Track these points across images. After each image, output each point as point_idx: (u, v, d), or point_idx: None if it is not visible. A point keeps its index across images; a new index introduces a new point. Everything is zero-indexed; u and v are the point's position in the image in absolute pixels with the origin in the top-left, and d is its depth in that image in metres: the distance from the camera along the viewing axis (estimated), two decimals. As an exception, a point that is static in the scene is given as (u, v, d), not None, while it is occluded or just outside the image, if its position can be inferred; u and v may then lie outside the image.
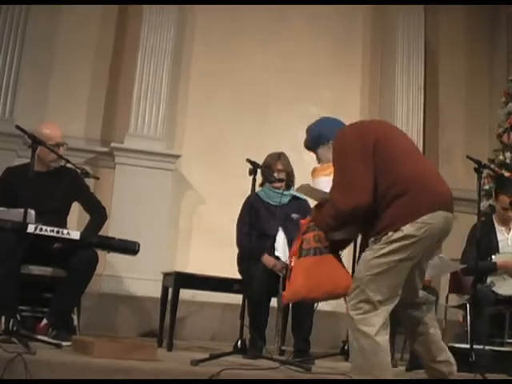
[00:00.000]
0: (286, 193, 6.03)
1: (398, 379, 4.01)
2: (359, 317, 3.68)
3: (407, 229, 3.67)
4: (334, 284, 3.99)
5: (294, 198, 6.11)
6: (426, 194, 3.78)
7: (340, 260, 4.08)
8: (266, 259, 5.74)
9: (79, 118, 8.05)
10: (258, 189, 5.90)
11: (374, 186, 3.78)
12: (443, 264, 6.37)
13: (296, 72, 8.68)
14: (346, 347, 5.07)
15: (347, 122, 8.54)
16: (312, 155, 8.05)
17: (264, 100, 8.49)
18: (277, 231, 5.87)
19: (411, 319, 4.13)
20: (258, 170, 4.95)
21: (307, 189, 4.47)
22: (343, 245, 4.16)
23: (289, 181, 6.12)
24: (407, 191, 3.75)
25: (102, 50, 8.26)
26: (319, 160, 4.57)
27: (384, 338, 3.68)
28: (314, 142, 4.52)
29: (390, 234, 3.69)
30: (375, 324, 3.66)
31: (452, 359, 4.05)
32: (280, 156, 6.12)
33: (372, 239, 3.79)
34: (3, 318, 4.88)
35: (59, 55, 8.08)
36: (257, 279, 5.49)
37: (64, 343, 4.73)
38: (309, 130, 4.61)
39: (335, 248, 4.08)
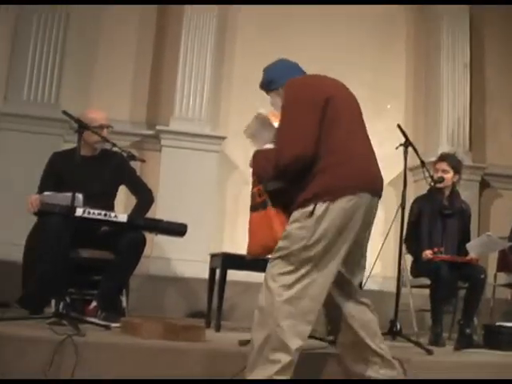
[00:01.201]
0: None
1: (399, 379, 4.01)
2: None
3: (334, 203, 3.61)
4: (268, 238, 3.92)
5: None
6: (362, 172, 3.75)
7: (283, 212, 3.93)
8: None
9: (124, 102, 8.10)
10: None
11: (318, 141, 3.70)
12: (491, 242, 6.32)
13: (340, 50, 8.60)
14: (394, 327, 5.05)
15: (393, 101, 8.62)
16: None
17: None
18: None
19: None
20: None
21: (264, 120, 4.23)
22: (284, 196, 3.91)
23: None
24: (344, 163, 3.70)
25: (144, 34, 8.28)
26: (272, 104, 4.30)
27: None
28: (266, 85, 4.30)
29: (318, 204, 3.61)
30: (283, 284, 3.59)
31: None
32: None
33: (298, 209, 3.69)
34: (53, 301, 4.98)
35: (103, 39, 8.12)
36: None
37: (113, 325, 4.78)
38: (264, 72, 4.37)
39: (278, 199, 3.97)
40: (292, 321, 3.56)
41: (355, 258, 3.87)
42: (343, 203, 3.62)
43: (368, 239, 3.96)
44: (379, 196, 3.88)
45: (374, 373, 3.83)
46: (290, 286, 3.59)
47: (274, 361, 3.51)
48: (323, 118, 3.76)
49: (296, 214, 3.68)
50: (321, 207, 3.60)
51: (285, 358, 3.52)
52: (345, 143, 3.76)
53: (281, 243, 3.68)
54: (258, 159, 4.03)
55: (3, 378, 3.69)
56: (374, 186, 3.84)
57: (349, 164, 3.71)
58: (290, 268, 3.61)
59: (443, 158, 6.49)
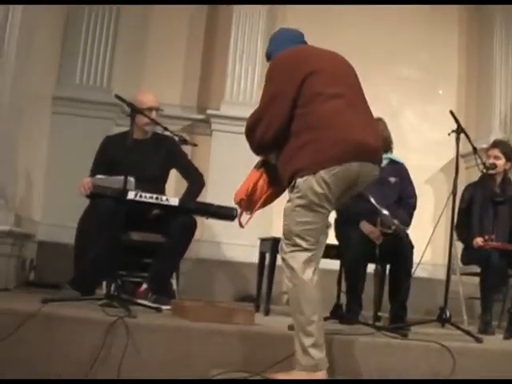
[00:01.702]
0: (384, 156, 6.00)
1: (401, 379, 4.00)
2: (289, 255, 3.79)
3: (315, 176, 3.73)
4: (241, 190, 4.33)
5: (391, 161, 6.07)
6: (339, 144, 3.77)
7: (266, 179, 4.21)
8: (364, 225, 5.71)
9: (175, 86, 8.15)
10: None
11: (291, 117, 3.85)
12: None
13: (390, 33, 8.54)
14: (443, 314, 5.03)
15: (445, 85, 8.55)
16: (409, 120, 8.00)
17: (358, 62, 8.34)
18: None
19: None
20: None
21: None
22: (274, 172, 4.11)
23: (386, 145, 6.07)
24: (323, 138, 3.78)
25: (196, 17, 8.32)
26: None
27: (309, 275, 3.77)
28: (266, 57, 4.47)
29: (299, 179, 3.76)
30: (300, 261, 3.75)
31: None
32: (378, 121, 6.07)
33: (288, 188, 3.88)
34: (104, 283, 5.05)
35: (154, 23, 8.18)
36: (354, 244, 5.45)
37: (163, 307, 4.85)
38: (269, 42, 4.51)
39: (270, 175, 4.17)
40: None
41: None
42: (323, 175, 3.72)
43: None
44: (372, 162, 4.00)
45: None
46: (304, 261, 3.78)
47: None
48: (300, 95, 3.86)
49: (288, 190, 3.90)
50: (301, 181, 3.75)
51: None
52: (327, 118, 3.83)
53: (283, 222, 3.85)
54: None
55: (3, 378, 3.76)
56: (361, 154, 3.86)
57: (329, 138, 3.78)
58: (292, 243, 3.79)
59: (495, 144, 6.43)
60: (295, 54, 4.12)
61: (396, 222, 5.50)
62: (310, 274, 3.77)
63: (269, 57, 4.37)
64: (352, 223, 5.50)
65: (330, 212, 3.88)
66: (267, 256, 5.85)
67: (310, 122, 3.82)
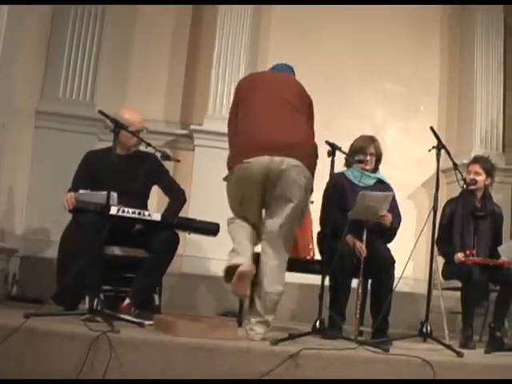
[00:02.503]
0: (371, 175, 6.07)
1: (401, 379, 4.03)
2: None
3: (232, 172, 4.85)
4: None
5: (379, 181, 6.13)
6: (245, 144, 4.80)
7: None
8: (350, 239, 5.76)
9: (158, 101, 8.17)
10: (343, 168, 5.95)
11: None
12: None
13: (374, 51, 8.63)
14: (424, 328, 5.06)
15: (427, 101, 8.61)
16: (392, 136, 8.06)
17: (341, 80, 8.47)
18: None
19: None
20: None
21: None
22: None
23: (376, 165, 6.15)
24: (236, 142, 4.94)
25: (179, 33, 8.34)
26: None
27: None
28: None
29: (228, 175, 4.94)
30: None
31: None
32: (373, 140, 6.13)
33: None
34: (87, 298, 5.04)
35: (138, 39, 8.20)
36: (340, 259, 5.49)
37: (146, 322, 4.83)
38: None
39: None
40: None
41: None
42: (236, 171, 4.80)
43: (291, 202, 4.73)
44: (281, 154, 4.71)
45: None
46: None
47: None
48: (237, 109, 5.05)
49: None
50: (228, 176, 4.92)
51: None
52: (245, 125, 4.90)
53: None
54: None
55: (3, 378, 3.76)
56: (266, 149, 4.71)
57: (241, 139, 4.87)
58: None
59: (476, 160, 6.50)
60: (246, 77, 5.37)
61: (377, 192, 5.75)
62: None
63: None
64: (338, 237, 5.52)
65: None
66: (250, 271, 5.85)
67: (237, 129, 5.00)
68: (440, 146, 5.29)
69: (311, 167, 4.86)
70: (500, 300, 6.07)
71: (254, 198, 4.83)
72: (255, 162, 4.69)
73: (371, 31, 8.69)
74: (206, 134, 7.81)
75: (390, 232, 5.99)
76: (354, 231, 5.71)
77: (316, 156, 4.94)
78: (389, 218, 5.86)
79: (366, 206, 5.68)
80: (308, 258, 6.09)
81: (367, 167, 6.04)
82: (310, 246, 6.11)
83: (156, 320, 4.78)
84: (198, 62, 8.32)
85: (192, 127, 7.89)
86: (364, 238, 5.75)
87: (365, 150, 6.04)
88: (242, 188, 4.82)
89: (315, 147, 4.96)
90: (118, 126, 4.91)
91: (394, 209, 5.98)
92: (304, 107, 5.06)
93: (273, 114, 4.86)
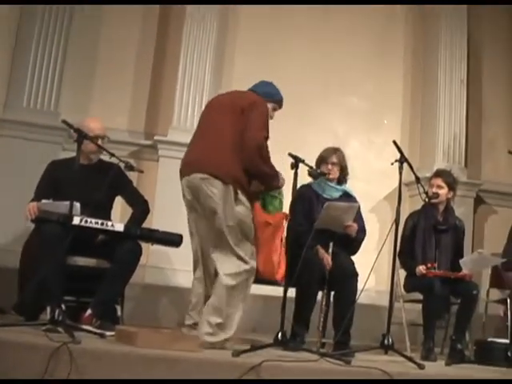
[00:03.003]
0: (338, 187, 6.11)
1: (401, 379, 4.06)
2: None
3: None
4: None
5: (345, 193, 6.17)
6: (183, 161, 5.23)
7: None
8: (319, 250, 5.79)
9: (123, 111, 8.13)
10: (309, 180, 5.97)
11: None
12: (482, 259, 6.39)
13: (338, 66, 8.70)
14: (385, 340, 5.09)
15: (390, 116, 8.69)
16: (355, 150, 8.12)
17: (306, 94, 8.51)
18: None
19: None
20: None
21: None
22: None
23: (342, 176, 6.19)
24: None
25: (144, 43, 8.32)
26: None
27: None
28: None
29: None
30: None
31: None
32: (336, 150, 6.19)
33: None
34: (49, 308, 5.00)
35: (103, 48, 8.15)
36: (308, 269, 5.50)
37: (108, 333, 4.80)
38: None
39: None
40: None
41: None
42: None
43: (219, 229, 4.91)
44: (193, 171, 5.04)
45: None
46: None
47: None
48: None
49: None
50: None
51: None
52: (191, 143, 5.30)
53: None
54: None
55: (3, 379, 3.73)
56: (187, 168, 5.13)
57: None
58: None
59: (438, 174, 6.56)
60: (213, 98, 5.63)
61: (343, 203, 5.85)
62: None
63: None
64: (305, 248, 5.52)
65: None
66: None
67: None
68: (402, 160, 5.34)
69: (228, 174, 4.93)
70: (461, 313, 6.13)
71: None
72: (182, 182, 5.18)
73: (335, 46, 8.75)
74: (170, 144, 7.78)
75: (354, 243, 6.03)
76: (320, 242, 5.75)
77: (249, 157, 4.96)
78: (354, 227, 5.91)
79: (332, 215, 5.72)
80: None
81: (330, 176, 6.07)
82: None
83: (117, 331, 4.76)
84: (164, 72, 8.30)
85: (156, 138, 7.87)
86: (330, 250, 5.79)
87: (326, 160, 6.10)
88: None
89: (248, 149, 4.96)
90: (82, 136, 4.90)
91: (359, 221, 6.04)
92: (238, 114, 5.07)
93: (201, 135, 5.22)
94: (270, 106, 5.32)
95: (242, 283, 4.93)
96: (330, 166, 6.09)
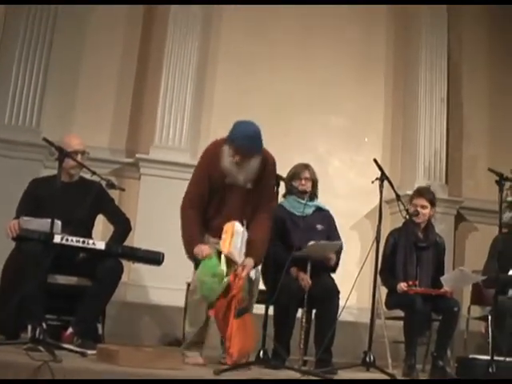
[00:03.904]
0: (309, 203, 6.10)
1: (398, 379, 4.06)
2: None
3: None
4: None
5: (318, 208, 6.18)
6: None
7: None
8: (294, 271, 5.79)
9: (105, 129, 8.12)
10: (281, 199, 5.97)
11: None
12: (464, 276, 6.40)
13: (320, 84, 8.73)
14: (367, 358, 5.10)
15: (372, 134, 8.74)
16: (336, 168, 8.13)
17: (288, 112, 8.54)
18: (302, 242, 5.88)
19: None
20: (282, 182, 5.05)
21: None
22: None
23: (313, 192, 6.19)
24: None
25: (127, 62, 8.32)
26: None
27: None
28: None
29: None
30: None
31: None
32: (307, 166, 6.20)
33: None
34: (30, 327, 4.97)
35: (85, 65, 8.15)
36: (286, 289, 5.50)
37: (89, 351, 4.78)
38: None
39: None
40: None
41: None
42: None
43: None
44: None
45: None
46: None
47: None
48: None
49: None
50: None
51: None
52: None
53: None
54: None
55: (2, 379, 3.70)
56: None
57: None
58: None
59: (421, 193, 6.55)
60: None
61: (326, 242, 5.69)
62: None
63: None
64: (282, 268, 5.53)
65: None
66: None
67: None
68: (383, 178, 5.37)
69: None
70: (442, 329, 6.13)
71: None
72: None
73: (317, 65, 8.81)
74: (152, 162, 7.79)
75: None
76: (298, 263, 5.75)
77: None
78: (333, 259, 5.92)
79: (314, 252, 5.74)
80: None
81: (306, 189, 6.07)
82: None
83: (99, 349, 4.74)
84: (146, 90, 8.31)
85: (138, 156, 7.87)
86: (308, 268, 5.79)
87: (299, 175, 6.10)
88: None
89: None
90: (63, 154, 4.90)
91: (334, 234, 6.09)
92: None
93: None
94: (227, 149, 5.18)
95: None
96: (303, 181, 6.09)
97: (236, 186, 5.22)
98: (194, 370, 4.49)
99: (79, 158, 5.64)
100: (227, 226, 4.98)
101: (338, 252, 6.07)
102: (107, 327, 5.84)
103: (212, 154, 5.27)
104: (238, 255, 4.96)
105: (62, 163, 4.95)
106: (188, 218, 5.16)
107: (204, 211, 5.25)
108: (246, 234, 5.07)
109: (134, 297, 7.32)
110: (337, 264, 6.04)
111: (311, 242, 5.71)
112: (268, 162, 5.30)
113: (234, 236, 4.95)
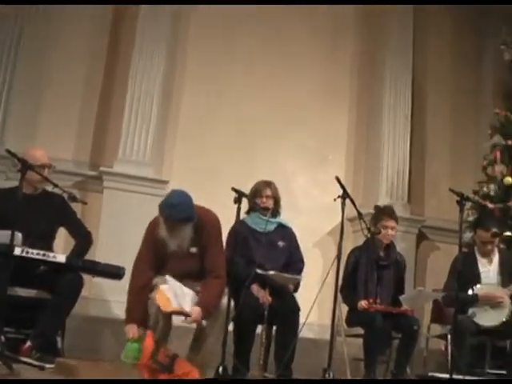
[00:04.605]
0: (272, 220, 6.11)
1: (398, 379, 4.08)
2: None
3: None
4: None
5: (280, 225, 6.19)
6: None
7: None
8: (254, 288, 5.80)
9: (68, 141, 8.05)
10: (243, 216, 5.98)
11: None
12: (421, 295, 6.48)
13: (285, 103, 8.76)
14: (326, 375, 5.11)
15: (335, 152, 8.78)
16: (301, 185, 8.14)
17: (254, 130, 8.56)
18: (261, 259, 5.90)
19: None
20: (244, 199, 5.07)
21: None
22: None
23: (275, 209, 6.20)
24: None
25: (92, 73, 8.26)
26: None
27: None
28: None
29: None
30: None
31: None
32: (269, 183, 6.22)
33: None
34: (-13, 340, 4.93)
35: (50, 78, 8.08)
36: (247, 307, 5.52)
37: (48, 365, 4.74)
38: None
39: None
40: None
41: None
42: None
43: None
44: None
45: None
46: None
47: None
48: None
49: None
50: None
51: None
52: None
53: None
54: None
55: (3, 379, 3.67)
56: None
57: None
58: None
59: (390, 215, 6.58)
60: None
61: (287, 275, 5.70)
62: None
63: None
64: (243, 286, 5.54)
65: None
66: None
67: None
68: (345, 196, 5.40)
69: None
70: (402, 347, 6.18)
71: None
72: None
73: (282, 83, 8.82)
74: (115, 176, 7.75)
75: None
76: (259, 280, 5.76)
77: None
78: (290, 289, 5.95)
79: (274, 280, 5.77)
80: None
81: (268, 206, 6.09)
82: None
83: (57, 364, 4.71)
84: (111, 103, 8.26)
85: (102, 169, 7.82)
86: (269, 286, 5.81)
87: (261, 193, 6.12)
88: None
89: None
90: (26, 166, 4.87)
91: (296, 252, 6.12)
92: None
93: None
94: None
95: None
96: (264, 199, 6.11)
97: (178, 251, 5.30)
98: None
99: (46, 171, 5.62)
100: (155, 293, 5.09)
101: (300, 267, 6.11)
102: (68, 341, 5.79)
103: (154, 223, 5.42)
104: (184, 302, 5.04)
105: (25, 175, 4.91)
106: (134, 279, 5.31)
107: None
108: (175, 282, 5.13)
109: (94, 311, 7.26)
110: (296, 288, 6.06)
111: (272, 272, 5.74)
112: (206, 227, 5.35)
113: (165, 291, 5.03)
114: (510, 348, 6.60)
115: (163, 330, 5.16)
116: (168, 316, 5.11)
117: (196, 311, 4.98)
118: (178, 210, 5.16)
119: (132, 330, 5.14)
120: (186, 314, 4.96)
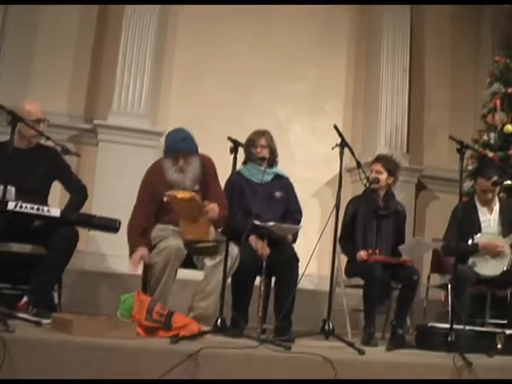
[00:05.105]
0: (268, 170, 6.03)
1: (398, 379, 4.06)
2: None
3: None
4: None
5: (277, 176, 6.13)
6: None
7: None
8: (252, 240, 5.76)
9: (62, 95, 7.98)
10: (240, 167, 5.92)
11: None
12: (420, 245, 6.46)
13: (281, 50, 8.66)
14: (326, 326, 5.07)
15: (333, 101, 8.71)
16: (295, 133, 8.06)
17: (249, 76, 8.47)
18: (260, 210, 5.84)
19: None
20: (240, 149, 4.99)
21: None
22: None
23: (272, 159, 6.13)
24: None
25: (85, 26, 8.16)
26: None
27: None
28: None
29: None
30: None
31: None
32: (264, 133, 6.15)
33: None
34: (-18, 296, 4.89)
35: (41, 31, 7.99)
36: (244, 258, 5.47)
37: (44, 321, 4.70)
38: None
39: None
40: None
41: None
42: None
43: None
44: None
45: None
46: None
47: None
48: None
49: None
50: None
51: None
52: None
53: None
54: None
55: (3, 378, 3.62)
56: None
57: None
58: None
59: (378, 159, 6.57)
60: None
61: (285, 225, 5.74)
62: None
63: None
64: (239, 238, 5.48)
65: None
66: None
67: None
68: (343, 144, 5.32)
69: None
70: (401, 298, 6.15)
71: None
72: None
73: (278, 32, 8.73)
74: (110, 129, 7.67)
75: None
76: (256, 231, 5.72)
77: None
78: (289, 239, 5.91)
79: (272, 231, 5.72)
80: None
81: (263, 156, 6.02)
82: None
83: (54, 319, 4.66)
84: (104, 56, 8.17)
85: (96, 122, 7.74)
86: (266, 238, 5.77)
87: (255, 142, 6.06)
88: None
89: None
90: (15, 119, 4.78)
91: (294, 203, 6.08)
92: None
93: None
94: (168, 161, 5.51)
95: None
96: (259, 149, 6.06)
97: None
98: (149, 340, 4.43)
99: (41, 126, 5.54)
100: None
101: (298, 218, 6.08)
102: (65, 296, 5.78)
103: (154, 172, 5.55)
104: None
105: (15, 128, 4.82)
106: (133, 219, 5.56)
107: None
108: None
109: (91, 265, 7.25)
110: (294, 239, 6.02)
111: (271, 223, 5.70)
112: (206, 164, 5.58)
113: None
114: (510, 297, 6.57)
115: (165, 285, 5.25)
116: (174, 270, 5.29)
117: (213, 205, 5.31)
118: (188, 142, 5.43)
119: (140, 253, 5.37)
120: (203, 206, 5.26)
